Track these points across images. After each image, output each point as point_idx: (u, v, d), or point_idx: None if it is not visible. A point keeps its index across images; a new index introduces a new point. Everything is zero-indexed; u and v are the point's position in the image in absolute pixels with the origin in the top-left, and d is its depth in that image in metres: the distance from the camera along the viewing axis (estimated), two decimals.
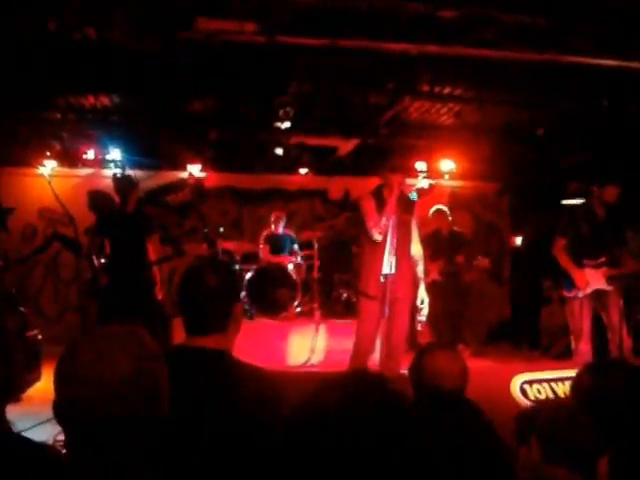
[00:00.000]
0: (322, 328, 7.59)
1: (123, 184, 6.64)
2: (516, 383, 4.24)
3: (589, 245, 5.99)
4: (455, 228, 8.68)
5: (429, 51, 5.18)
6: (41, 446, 1.66)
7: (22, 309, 6.92)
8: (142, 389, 1.41)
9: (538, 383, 4.25)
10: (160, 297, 7.06)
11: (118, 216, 6.62)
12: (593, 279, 5.90)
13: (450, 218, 8.58)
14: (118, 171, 8.53)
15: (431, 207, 9.31)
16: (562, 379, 4.36)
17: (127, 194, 6.53)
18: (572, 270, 5.96)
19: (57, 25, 5.16)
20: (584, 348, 5.90)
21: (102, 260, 6.44)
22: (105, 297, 6.42)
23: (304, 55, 5.28)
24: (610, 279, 5.87)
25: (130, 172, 8.59)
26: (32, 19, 5.33)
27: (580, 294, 5.91)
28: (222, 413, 1.90)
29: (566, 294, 6.05)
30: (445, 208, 8.66)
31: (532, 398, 4.18)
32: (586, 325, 5.93)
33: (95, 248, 6.52)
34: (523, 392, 4.20)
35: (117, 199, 6.68)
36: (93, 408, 1.36)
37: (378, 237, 5.39)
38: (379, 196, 5.73)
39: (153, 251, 6.71)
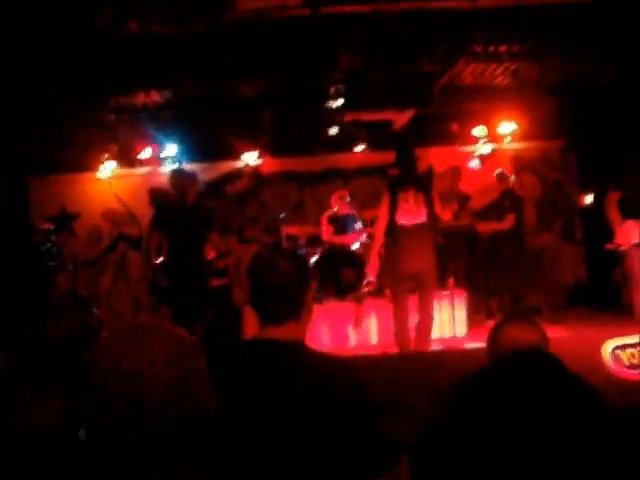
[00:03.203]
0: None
1: (180, 178, 6.60)
2: (607, 349, 4.00)
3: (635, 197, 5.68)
4: (511, 190, 8.46)
5: (481, 5, 4.92)
6: None
7: (95, 310, 7.01)
8: (182, 389, 1.28)
9: (632, 347, 3.99)
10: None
11: (176, 210, 6.50)
12: (633, 233, 5.62)
13: (512, 179, 8.38)
14: (175, 166, 8.55)
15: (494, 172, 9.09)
16: None
17: (185, 188, 6.45)
18: (614, 223, 5.74)
19: (100, 24, 5.14)
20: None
21: (160, 258, 6.35)
22: (171, 298, 6.37)
23: (350, 26, 5.10)
24: None
25: (187, 166, 8.63)
26: (73, 20, 5.33)
27: (622, 248, 5.68)
28: (305, 405, 1.81)
29: (608, 247, 5.83)
30: (505, 171, 8.48)
31: (627, 364, 3.94)
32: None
33: (153, 244, 6.44)
34: (616, 358, 3.96)
35: (176, 194, 6.65)
36: (122, 407, 1.24)
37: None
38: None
39: (212, 247, 6.61)
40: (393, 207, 6.00)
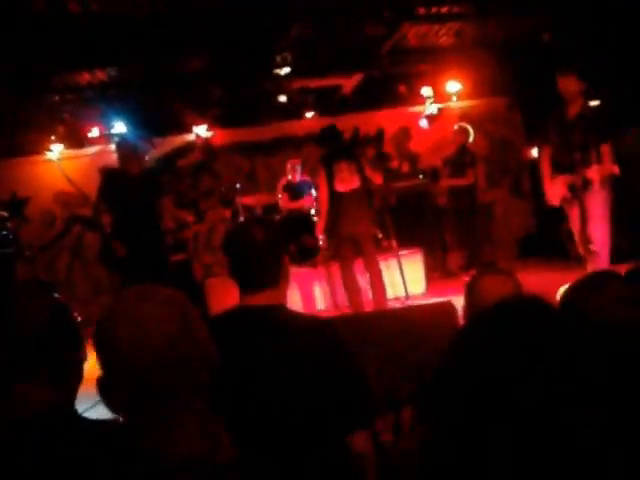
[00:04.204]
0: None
1: (122, 148, 6.41)
2: (561, 293, 4.15)
3: (558, 151, 5.66)
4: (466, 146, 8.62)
5: None
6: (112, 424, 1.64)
7: (56, 295, 6.98)
8: (189, 352, 1.36)
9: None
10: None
11: (122, 179, 6.28)
12: (560, 189, 5.65)
13: (472, 136, 8.51)
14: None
15: (443, 131, 9.26)
16: None
17: (128, 157, 6.28)
18: (543, 179, 5.80)
19: (38, 7, 5.06)
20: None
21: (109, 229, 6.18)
22: (126, 269, 6.10)
23: None
24: (570, 188, 5.59)
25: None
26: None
27: (551, 203, 5.74)
28: (293, 366, 1.92)
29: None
30: (467, 126, 8.58)
31: None
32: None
33: (101, 214, 6.30)
34: None
35: (121, 164, 6.46)
36: (140, 373, 1.32)
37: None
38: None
39: (168, 217, 6.51)
40: (330, 177, 6.74)
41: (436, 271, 8.88)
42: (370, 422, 1.99)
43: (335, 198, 6.73)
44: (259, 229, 2.10)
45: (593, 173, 5.41)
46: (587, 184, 5.48)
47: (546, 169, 5.81)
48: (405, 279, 7.65)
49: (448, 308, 3.66)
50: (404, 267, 7.83)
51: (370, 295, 6.94)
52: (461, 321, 3.00)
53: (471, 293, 2.37)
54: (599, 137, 5.46)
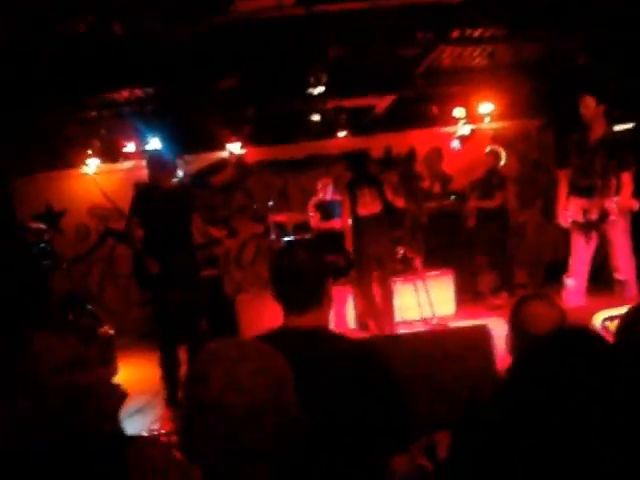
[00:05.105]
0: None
1: (154, 161, 6.34)
2: (597, 321, 4.16)
3: (578, 174, 5.63)
4: (498, 168, 8.64)
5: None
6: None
7: (90, 307, 7.09)
8: (278, 415, 1.35)
9: (619, 319, 4.13)
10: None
11: (153, 193, 6.16)
12: (573, 210, 5.63)
13: (503, 159, 8.56)
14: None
15: (475, 152, 9.26)
16: None
17: (159, 171, 6.19)
18: (558, 200, 5.79)
19: (87, 24, 5.17)
20: (571, 284, 5.74)
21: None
22: (157, 286, 6.00)
23: (338, 21, 5.18)
24: (584, 213, 5.54)
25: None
26: (60, 19, 5.35)
27: (564, 225, 5.73)
28: (338, 389, 1.94)
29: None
30: (499, 149, 8.63)
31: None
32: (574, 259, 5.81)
33: (133, 228, 6.16)
34: (606, 330, 4.13)
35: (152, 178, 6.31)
36: (226, 438, 1.30)
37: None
38: None
39: (197, 232, 6.48)
40: (353, 202, 7.21)
41: (466, 293, 8.85)
42: (410, 446, 2.01)
43: (357, 221, 7.16)
44: (304, 252, 2.14)
45: (611, 204, 5.31)
46: (605, 216, 5.41)
47: (562, 190, 5.78)
48: (432, 300, 7.68)
49: (483, 331, 3.66)
50: (434, 288, 7.84)
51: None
52: (499, 344, 3.01)
53: (516, 318, 2.40)
54: (620, 164, 5.38)
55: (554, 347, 1.22)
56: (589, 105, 5.56)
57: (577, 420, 1.11)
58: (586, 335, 1.25)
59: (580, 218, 5.61)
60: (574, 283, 5.73)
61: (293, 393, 1.41)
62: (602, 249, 5.80)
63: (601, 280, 7.18)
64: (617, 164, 5.38)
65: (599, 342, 1.23)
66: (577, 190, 5.62)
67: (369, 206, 7.14)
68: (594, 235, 5.65)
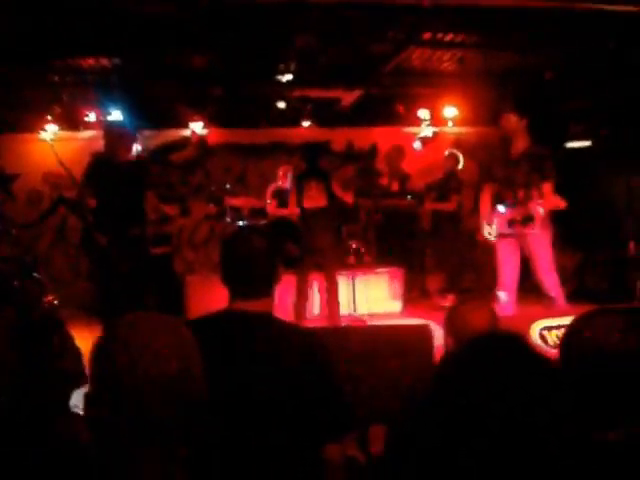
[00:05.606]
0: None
1: (110, 132, 6.26)
2: (535, 330, 4.25)
3: (502, 187, 5.74)
4: (456, 172, 8.80)
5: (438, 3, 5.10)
6: None
7: (36, 275, 6.96)
8: (185, 390, 1.38)
9: (556, 329, 4.25)
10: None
11: (109, 165, 6.06)
12: (499, 222, 5.72)
13: (461, 163, 8.70)
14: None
15: (435, 154, 9.38)
16: None
17: (115, 142, 6.12)
18: (481, 213, 5.89)
19: None
20: (503, 297, 5.80)
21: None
22: (105, 259, 5.93)
23: (310, 10, 5.20)
24: (509, 222, 5.65)
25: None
26: None
27: (488, 237, 5.83)
28: (279, 373, 1.98)
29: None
30: (457, 152, 8.77)
31: (552, 344, 4.20)
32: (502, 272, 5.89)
33: (85, 197, 6.12)
34: (542, 339, 4.22)
35: (107, 149, 6.23)
36: (132, 405, 1.32)
37: None
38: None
39: (150, 208, 6.37)
40: (299, 194, 7.29)
41: (414, 291, 8.98)
42: (344, 436, 2.06)
43: (303, 213, 7.33)
44: (258, 237, 2.15)
45: (535, 208, 5.42)
46: (528, 219, 5.53)
47: (484, 204, 5.88)
48: (367, 297, 7.86)
49: (425, 331, 3.73)
50: (383, 284, 7.96)
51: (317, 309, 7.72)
52: (440, 346, 3.09)
53: (450, 321, 2.48)
54: (542, 176, 5.52)
55: (483, 349, 1.27)
56: (510, 120, 5.75)
57: (503, 420, 1.16)
58: (514, 339, 1.31)
59: (505, 229, 5.72)
60: (506, 295, 5.84)
61: (201, 369, 1.44)
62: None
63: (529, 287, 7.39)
64: (539, 176, 5.53)
65: (527, 346, 1.29)
66: (502, 203, 5.74)
67: (314, 199, 7.23)
68: (517, 244, 5.77)
